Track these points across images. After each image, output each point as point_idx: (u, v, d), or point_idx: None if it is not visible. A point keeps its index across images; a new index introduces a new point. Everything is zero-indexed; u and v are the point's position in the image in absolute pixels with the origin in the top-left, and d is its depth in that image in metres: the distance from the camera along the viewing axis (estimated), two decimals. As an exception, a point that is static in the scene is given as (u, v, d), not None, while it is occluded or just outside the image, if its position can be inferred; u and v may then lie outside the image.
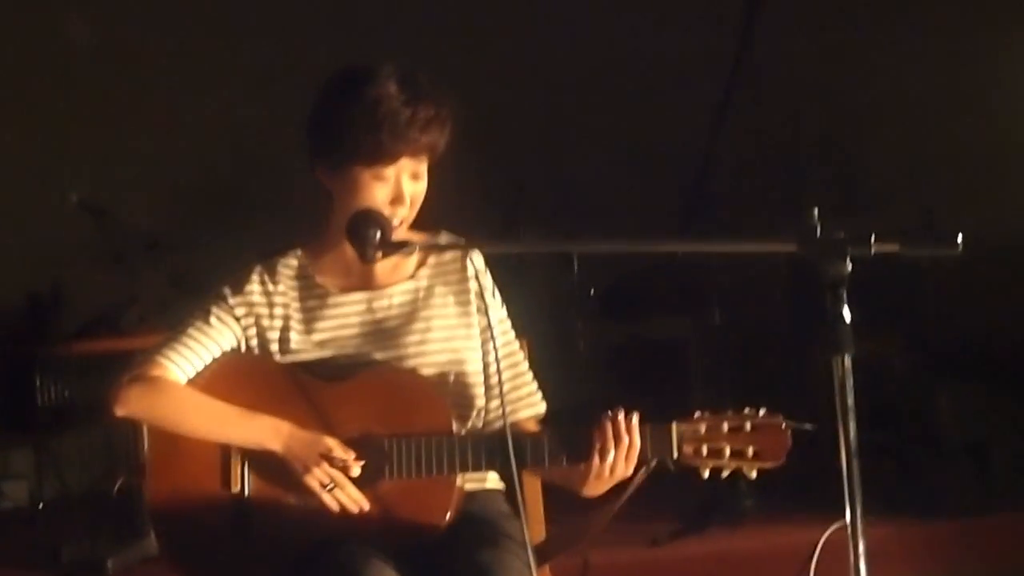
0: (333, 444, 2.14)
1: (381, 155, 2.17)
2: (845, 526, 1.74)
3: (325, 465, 2.14)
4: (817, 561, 3.55)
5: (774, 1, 4.15)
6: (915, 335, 4.41)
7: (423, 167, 2.23)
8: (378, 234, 2.10)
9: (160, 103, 5.47)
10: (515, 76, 5.43)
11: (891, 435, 3.98)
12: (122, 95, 5.49)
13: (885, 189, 5.09)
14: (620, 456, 2.07)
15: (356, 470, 2.14)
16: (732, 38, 4.20)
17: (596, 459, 2.07)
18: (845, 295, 1.71)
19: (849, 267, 1.71)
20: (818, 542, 3.54)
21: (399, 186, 2.20)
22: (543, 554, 2.29)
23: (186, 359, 2.25)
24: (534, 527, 2.39)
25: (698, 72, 4.77)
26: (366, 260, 2.12)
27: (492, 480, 2.37)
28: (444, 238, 2.31)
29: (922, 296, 4.46)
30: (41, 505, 4.82)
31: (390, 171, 2.19)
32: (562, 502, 2.39)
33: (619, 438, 2.07)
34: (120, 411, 2.22)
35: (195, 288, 4.21)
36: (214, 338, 2.27)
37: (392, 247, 2.12)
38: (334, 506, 2.13)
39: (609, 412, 2.09)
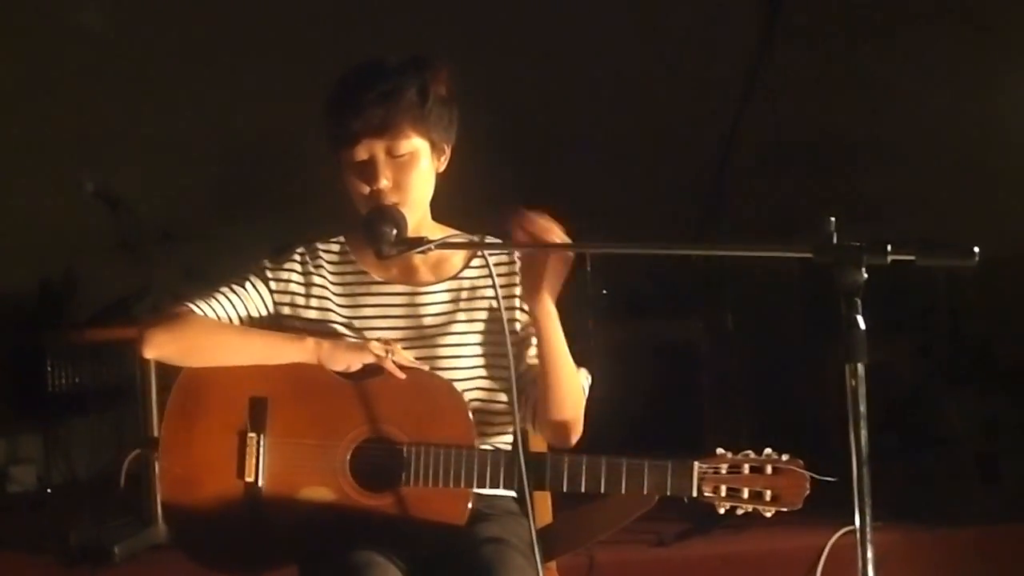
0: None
1: (342, 134, 2.16)
2: (853, 531, 1.74)
3: (374, 343, 2.15)
4: (824, 565, 3.55)
5: (790, 11, 4.15)
6: (926, 343, 4.40)
7: (401, 144, 2.17)
8: (393, 231, 2.08)
9: (176, 94, 5.49)
10: (530, 77, 5.43)
11: (901, 442, 3.98)
12: (138, 85, 5.51)
13: (893, 198, 5.08)
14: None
15: (400, 348, 2.16)
16: (748, 46, 4.20)
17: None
18: (860, 303, 1.71)
19: (865, 275, 1.70)
20: (825, 546, 3.54)
21: (374, 164, 2.17)
22: (547, 551, 2.26)
23: (211, 308, 2.22)
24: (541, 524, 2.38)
25: (715, 76, 4.77)
26: (381, 256, 2.10)
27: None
28: (462, 236, 2.28)
29: (933, 304, 4.45)
30: (49, 490, 4.85)
31: (360, 151, 2.17)
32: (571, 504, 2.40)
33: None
34: (149, 351, 2.18)
35: (208, 279, 4.21)
36: (243, 298, 2.25)
37: (407, 244, 2.09)
38: (399, 373, 2.12)
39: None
